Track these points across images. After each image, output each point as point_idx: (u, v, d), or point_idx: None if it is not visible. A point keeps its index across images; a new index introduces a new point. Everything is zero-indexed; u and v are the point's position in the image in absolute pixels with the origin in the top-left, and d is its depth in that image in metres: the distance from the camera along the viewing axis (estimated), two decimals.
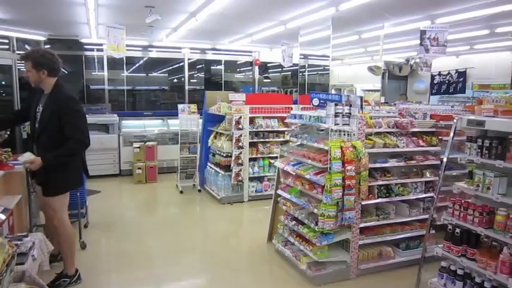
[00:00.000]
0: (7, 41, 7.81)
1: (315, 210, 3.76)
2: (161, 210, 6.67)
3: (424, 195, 4.20)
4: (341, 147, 3.54)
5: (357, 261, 3.94)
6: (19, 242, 2.59)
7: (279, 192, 4.51)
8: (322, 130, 4.10)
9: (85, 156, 3.81)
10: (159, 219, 6.05)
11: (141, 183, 7.95)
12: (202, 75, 11.43)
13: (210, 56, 10.38)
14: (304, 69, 12.02)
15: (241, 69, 11.94)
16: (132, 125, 9.07)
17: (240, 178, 6.46)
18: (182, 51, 9.83)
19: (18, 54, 8.05)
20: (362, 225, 3.91)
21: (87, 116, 3.71)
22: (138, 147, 8.13)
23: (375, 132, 4.03)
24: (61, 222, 3.63)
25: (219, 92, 7.66)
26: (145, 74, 11.08)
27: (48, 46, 8.70)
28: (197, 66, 11.09)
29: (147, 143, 8.26)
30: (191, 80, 10.77)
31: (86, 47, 8.61)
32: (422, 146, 4.14)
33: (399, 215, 4.19)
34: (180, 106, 7.24)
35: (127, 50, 9.13)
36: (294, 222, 4.20)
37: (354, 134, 3.70)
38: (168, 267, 4.29)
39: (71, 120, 3.37)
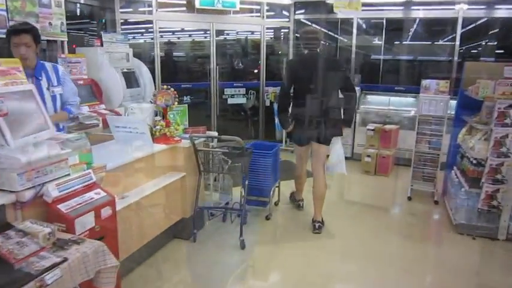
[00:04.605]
0: (259, 7, 7.72)
1: None
2: (368, 219, 4.85)
3: None
4: None
5: None
6: (48, 257, 1.90)
7: None
8: None
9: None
10: (361, 230, 4.50)
11: (367, 174, 6.53)
12: (492, 43, 8.33)
13: (499, 12, 7.20)
14: None
15: None
16: (376, 102, 7.59)
17: (494, 203, 4.07)
18: (456, 7, 7.22)
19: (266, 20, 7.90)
20: None
21: None
22: (372, 130, 6.69)
23: None
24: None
25: (487, 64, 5.06)
26: (409, 42, 9.06)
27: (301, 11, 8.21)
28: (489, 33, 8.10)
29: (385, 126, 6.69)
30: (462, 48, 7.99)
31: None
32: None
33: None
34: (423, 82, 5.21)
35: (384, 10, 7.60)
36: None
37: None
38: None
39: None
